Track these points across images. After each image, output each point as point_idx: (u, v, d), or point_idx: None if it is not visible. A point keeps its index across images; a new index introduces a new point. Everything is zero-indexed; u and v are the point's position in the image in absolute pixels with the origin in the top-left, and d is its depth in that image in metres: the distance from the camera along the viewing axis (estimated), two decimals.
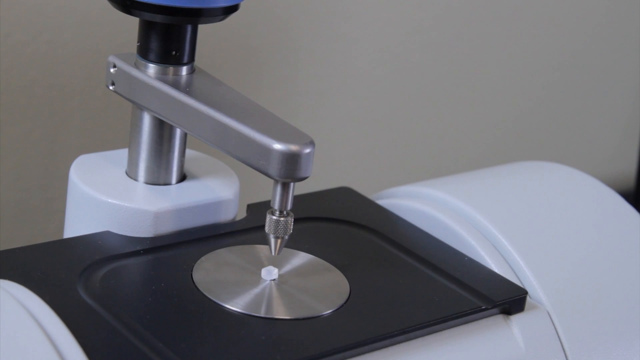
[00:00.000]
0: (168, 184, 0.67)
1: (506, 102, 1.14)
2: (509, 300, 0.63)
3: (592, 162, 1.27)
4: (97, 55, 0.84)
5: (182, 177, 0.68)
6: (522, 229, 0.69)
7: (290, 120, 0.62)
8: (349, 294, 0.61)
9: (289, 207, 0.59)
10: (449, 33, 1.05)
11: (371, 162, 1.06)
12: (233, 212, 0.68)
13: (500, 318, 0.63)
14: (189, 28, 0.64)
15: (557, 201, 0.73)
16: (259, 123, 0.59)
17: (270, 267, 0.62)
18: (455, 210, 0.70)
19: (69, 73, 0.83)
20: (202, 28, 0.67)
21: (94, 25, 0.83)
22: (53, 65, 0.82)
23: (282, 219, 0.59)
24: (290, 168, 0.57)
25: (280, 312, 0.59)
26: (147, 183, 0.66)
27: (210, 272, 0.62)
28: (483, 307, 0.62)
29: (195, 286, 0.60)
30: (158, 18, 0.62)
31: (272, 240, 0.60)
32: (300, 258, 0.64)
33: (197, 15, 0.62)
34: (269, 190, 0.60)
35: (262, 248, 0.65)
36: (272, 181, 0.59)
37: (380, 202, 0.73)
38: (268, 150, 0.57)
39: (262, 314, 0.58)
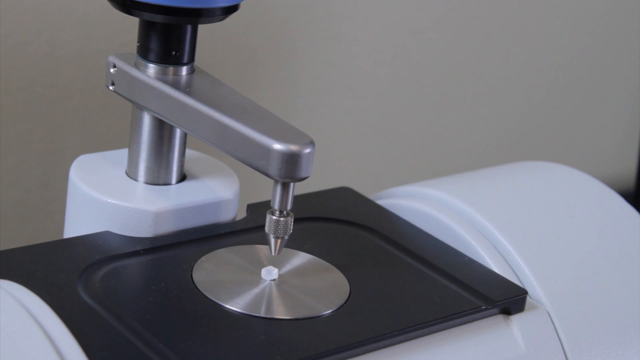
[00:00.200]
0: (168, 184, 0.67)
1: (506, 102, 1.14)
2: (509, 300, 0.63)
3: (592, 162, 1.27)
4: (97, 55, 0.84)
5: (182, 177, 0.68)
6: (522, 229, 0.69)
7: (290, 120, 0.62)
8: (349, 294, 0.61)
9: (289, 207, 0.59)
10: (449, 33, 1.05)
11: (371, 162, 1.06)
12: (233, 212, 0.68)
13: (500, 318, 0.63)
14: (189, 28, 0.64)
15: (557, 201, 0.73)
16: (259, 123, 0.59)
17: (270, 267, 0.62)
18: (455, 210, 0.70)
19: (69, 73, 0.83)
20: (202, 28, 0.67)
21: (94, 25, 0.83)
22: (53, 65, 0.82)
23: (282, 219, 0.59)
24: (290, 168, 0.57)
25: (280, 312, 0.59)
26: (147, 183, 0.66)
27: (210, 272, 0.62)
28: (483, 307, 0.62)
29: (195, 286, 0.60)
30: (158, 18, 0.62)
31: (272, 240, 0.60)
32: (300, 258, 0.64)
33: (197, 15, 0.62)
34: (269, 190, 0.60)
35: (262, 248, 0.65)
36: (272, 181, 0.59)
37: (380, 202, 0.73)
38: (268, 150, 0.57)
39: (262, 314, 0.58)
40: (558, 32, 1.15)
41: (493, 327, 0.62)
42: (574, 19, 1.16)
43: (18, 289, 0.55)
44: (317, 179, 0.84)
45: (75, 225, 0.65)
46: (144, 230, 0.64)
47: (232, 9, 0.63)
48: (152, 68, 0.64)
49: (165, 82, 0.63)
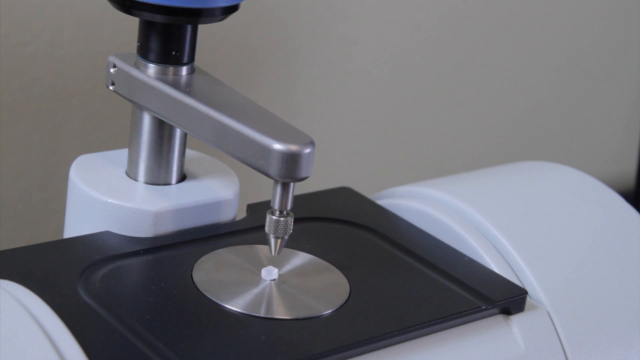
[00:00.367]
0: (168, 184, 0.67)
1: (506, 102, 1.14)
2: (509, 300, 0.63)
3: (592, 162, 1.27)
4: (97, 55, 0.84)
5: (182, 177, 0.68)
6: (522, 229, 0.69)
7: (290, 120, 0.62)
8: (349, 294, 0.61)
9: (289, 207, 0.59)
10: (449, 33, 1.05)
11: (371, 162, 1.06)
12: (233, 212, 0.68)
13: (500, 318, 0.63)
14: (189, 28, 0.64)
15: (557, 201, 0.73)
16: (259, 123, 0.59)
17: (270, 267, 0.62)
18: (455, 210, 0.70)
19: (69, 73, 0.83)
20: (202, 28, 0.67)
21: (94, 25, 0.83)
22: (53, 65, 0.82)
23: (282, 219, 0.59)
24: (290, 168, 0.57)
25: (280, 312, 0.59)
26: (147, 183, 0.66)
27: (210, 272, 0.62)
28: (483, 307, 0.62)
29: (195, 286, 0.60)
30: (158, 18, 0.62)
31: (272, 240, 0.60)
32: (300, 258, 0.64)
33: (197, 15, 0.62)
34: (269, 190, 0.60)
35: (262, 248, 0.65)
36: (272, 181, 0.59)
37: (380, 202, 0.73)
38: (268, 150, 0.57)
39: (262, 314, 0.58)
40: (558, 32, 1.15)
41: (493, 327, 0.62)
42: (574, 19, 1.16)
43: (18, 289, 0.55)
44: (317, 179, 0.84)
45: (75, 225, 0.65)
46: (144, 230, 0.64)
47: (232, 9, 0.63)
48: (152, 68, 0.64)
49: (165, 82, 0.63)
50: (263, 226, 0.60)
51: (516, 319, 0.63)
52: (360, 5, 0.98)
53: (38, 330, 0.51)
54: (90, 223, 0.64)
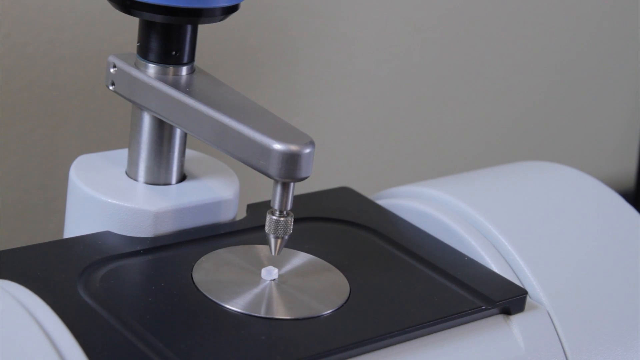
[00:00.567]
0: (168, 184, 0.67)
1: (506, 102, 1.14)
2: (509, 300, 0.63)
3: (592, 162, 1.27)
4: (97, 55, 0.84)
5: (182, 177, 0.68)
6: (522, 229, 0.69)
7: (290, 120, 0.62)
8: (349, 294, 0.61)
9: (289, 207, 0.59)
10: (449, 33, 1.05)
11: (371, 162, 1.06)
12: (233, 212, 0.68)
13: (500, 318, 0.63)
14: (189, 28, 0.64)
15: (557, 201, 0.73)
16: (259, 123, 0.59)
17: (270, 267, 0.62)
18: (455, 210, 0.70)
19: (69, 73, 0.83)
20: (202, 28, 0.67)
21: (94, 25, 0.83)
22: (53, 65, 0.82)
23: (282, 219, 0.59)
24: (290, 168, 0.57)
25: (280, 312, 0.59)
26: (147, 183, 0.66)
27: (210, 272, 0.62)
28: (483, 307, 0.62)
29: (195, 286, 0.60)
30: (158, 18, 0.62)
31: (272, 240, 0.60)
32: (300, 258, 0.64)
33: (197, 15, 0.62)
34: (269, 190, 0.60)
35: (262, 248, 0.65)
36: (272, 181, 0.59)
37: (380, 202, 0.73)
38: (268, 150, 0.57)
39: (262, 314, 0.58)
40: (558, 32, 1.15)
41: (493, 327, 0.62)
42: (574, 19, 1.16)
43: (18, 289, 0.55)
44: (317, 179, 0.85)
45: (75, 225, 0.65)
46: (144, 230, 0.64)
47: (232, 9, 0.63)
48: (152, 68, 0.64)
49: (165, 82, 0.63)
50: (263, 226, 0.60)
51: (516, 319, 0.63)
52: (361, 5, 0.98)
53: (38, 330, 0.51)
54: (90, 223, 0.64)
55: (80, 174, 0.66)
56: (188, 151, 0.69)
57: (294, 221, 0.60)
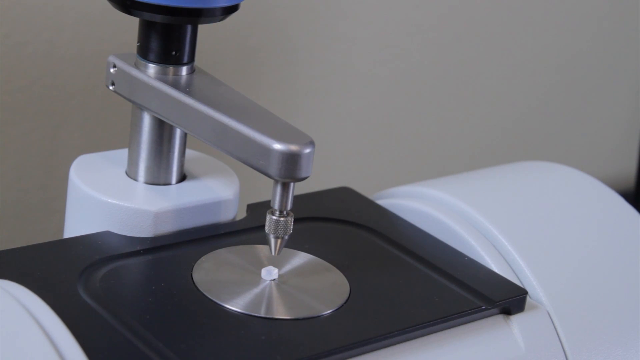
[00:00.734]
0: (168, 184, 0.67)
1: (506, 102, 1.14)
2: (509, 300, 0.63)
3: (592, 162, 1.27)
4: (97, 55, 0.84)
5: (182, 177, 0.68)
6: (522, 229, 0.69)
7: (290, 120, 0.62)
8: (349, 294, 0.61)
9: (289, 207, 0.59)
10: (449, 33, 1.05)
11: (371, 162, 1.06)
12: (233, 212, 0.68)
13: (500, 318, 0.63)
14: (189, 28, 0.64)
15: (557, 201, 0.73)
16: (259, 123, 0.59)
17: (270, 267, 0.62)
18: (455, 210, 0.70)
19: (69, 73, 0.83)
20: (202, 28, 0.67)
21: (94, 25, 0.83)
22: (53, 65, 0.82)
23: (282, 219, 0.59)
24: (290, 168, 0.57)
25: (280, 312, 0.59)
26: (147, 183, 0.66)
27: (210, 272, 0.62)
28: (483, 307, 0.62)
29: (195, 286, 0.60)
30: (158, 18, 0.62)
31: (272, 240, 0.60)
32: (300, 258, 0.64)
33: (197, 15, 0.62)
34: (269, 190, 0.60)
35: (262, 248, 0.65)
36: (272, 181, 0.59)
37: (380, 202, 0.73)
38: (268, 150, 0.57)
39: (262, 314, 0.58)
40: (558, 32, 1.15)
41: (493, 327, 0.62)
42: (574, 19, 1.16)
43: (18, 289, 0.55)
44: (317, 179, 0.84)
45: (75, 225, 0.65)
46: (144, 230, 0.64)
47: (232, 9, 0.63)
48: (152, 68, 0.64)
49: (165, 82, 0.63)
50: (263, 226, 0.60)
51: (516, 319, 0.63)
52: (361, 5, 0.98)
53: (38, 330, 0.51)
54: (90, 223, 0.64)
55: (80, 174, 0.66)
56: (188, 151, 0.69)
57: (294, 221, 0.60)
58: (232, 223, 0.67)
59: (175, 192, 0.66)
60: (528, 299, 0.64)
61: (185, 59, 0.64)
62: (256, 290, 0.60)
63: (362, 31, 0.99)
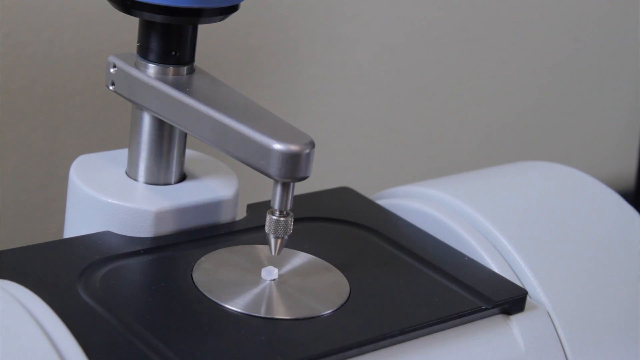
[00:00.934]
0: (168, 184, 0.67)
1: (506, 102, 1.14)
2: (509, 300, 0.63)
3: (592, 162, 1.27)
4: (97, 55, 0.84)
5: (182, 177, 0.68)
6: (522, 229, 0.69)
7: (290, 120, 0.62)
8: (349, 294, 0.61)
9: (289, 207, 0.59)
10: (448, 33, 1.05)
11: (371, 162, 1.06)
12: (233, 212, 0.68)
13: (500, 318, 0.63)
14: (189, 28, 0.64)
15: (557, 201, 0.73)
16: (259, 123, 0.59)
17: (270, 267, 0.62)
18: (455, 210, 0.70)
19: (69, 73, 0.83)
20: (202, 28, 0.67)
21: (94, 25, 0.83)
22: (53, 65, 0.82)
23: (282, 219, 0.59)
24: (290, 168, 0.57)
25: (280, 312, 0.59)
26: (147, 183, 0.66)
27: (210, 272, 0.62)
28: (483, 307, 0.62)
29: (195, 286, 0.60)
30: (158, 18, 0.62)
31: (272, 240, 0.60)
32: (300, 258, 0.64)
33: (197, 15, 0.62)
34: (269, 190, 0.60)
35: (262, 248, 0.65)
36: (272, 181, 0.59)
37: (380, 202, 0.73)
38: (268, 150, 0.57)
39: (262, 314, 0.58)
40: (558, 32, 1.15)
41: (493, 327, 0.62)
42: (574, 19, 1.16)
43: (18, 289, 0.55)
44: (317, 179, 0.84)
45: (75, 225, 0.65)
46: (144, 230, 0.64)
47: (232, 9, 0.63)
48: (152, 68, 0.64)
49: (165, 82, 0.63)
50: (263, 226, 0.60)
51: (516, 319, 0.63)
52: (361, 5, 0.98)
53: (38, 330, 0.51)
54: (90, 223, 0.64)
55: (80, 174, 0.66)
56: (188, 151, 0.69)
57: (294, 221, 0.60)
58: (232, 223, 0.67)
59: (175, 192, 0.66)
60: (528, 299, 0.64)
61: (185, 59, 0.64)
62: (256, 290, 0.60)
63: (363, 31, 0.99)
